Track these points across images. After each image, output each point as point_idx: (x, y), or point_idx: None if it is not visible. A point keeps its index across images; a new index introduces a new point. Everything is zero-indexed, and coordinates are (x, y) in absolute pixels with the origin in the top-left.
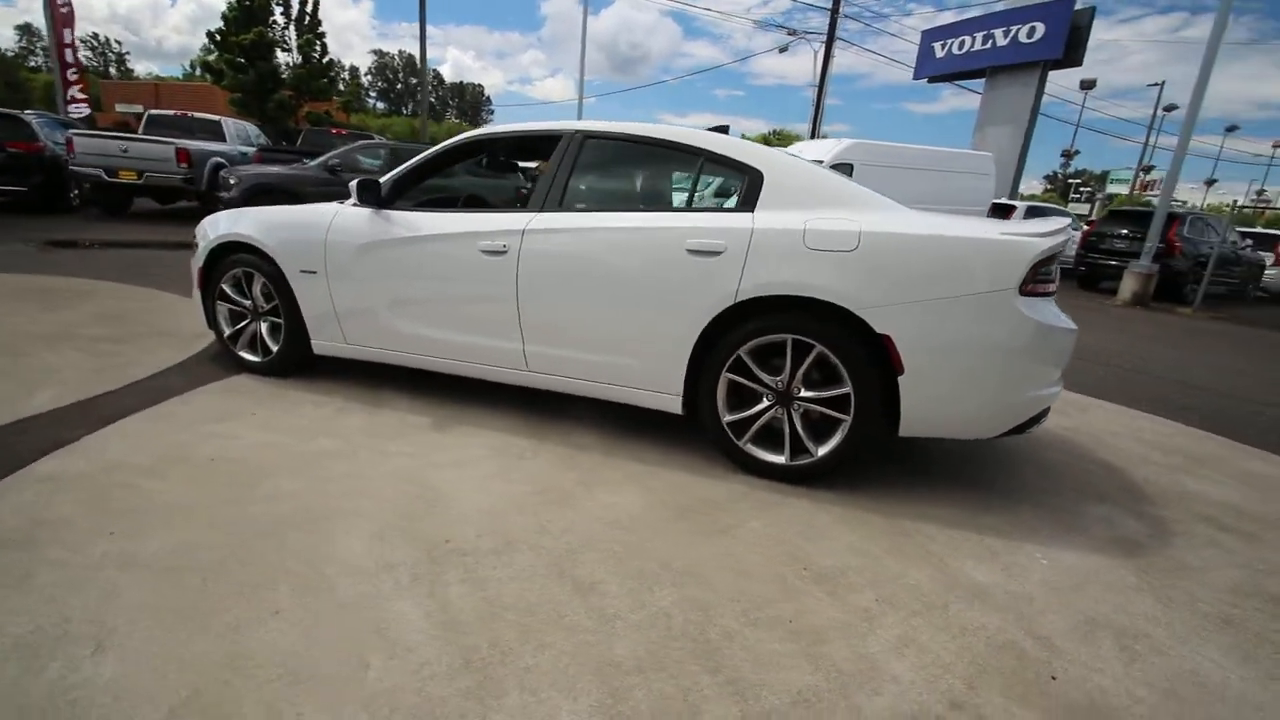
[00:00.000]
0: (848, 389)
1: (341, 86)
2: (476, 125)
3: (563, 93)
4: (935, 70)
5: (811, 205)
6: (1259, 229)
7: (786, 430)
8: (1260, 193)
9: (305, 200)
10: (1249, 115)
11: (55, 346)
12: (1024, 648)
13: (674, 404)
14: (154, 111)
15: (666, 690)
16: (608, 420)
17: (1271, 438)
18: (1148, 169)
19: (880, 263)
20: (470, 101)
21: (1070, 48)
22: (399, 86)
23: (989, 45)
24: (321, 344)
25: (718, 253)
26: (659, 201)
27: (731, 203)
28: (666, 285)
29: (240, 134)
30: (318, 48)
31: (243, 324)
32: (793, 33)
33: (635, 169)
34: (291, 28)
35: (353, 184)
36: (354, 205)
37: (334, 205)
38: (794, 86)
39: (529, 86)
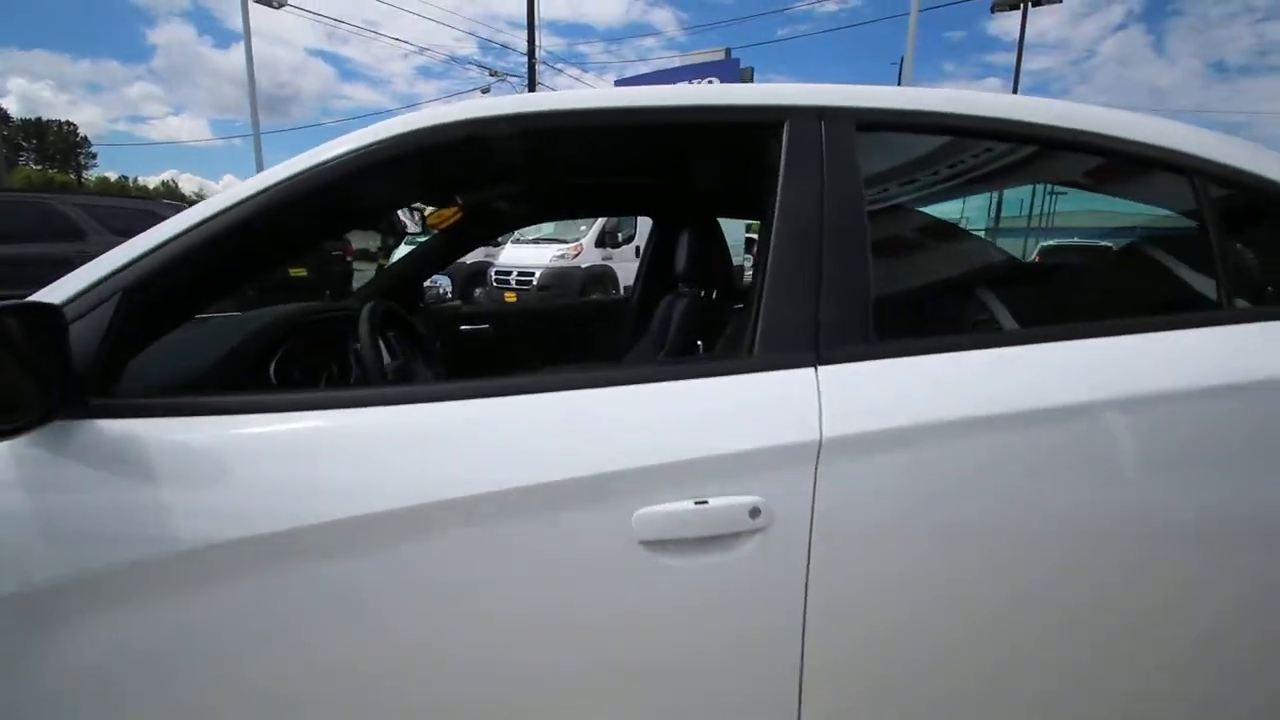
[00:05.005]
0: None
1: None
2: (70, 172)
3: (192, 132)
4: None
5: None
6: None
7: None
8: None
9: None
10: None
11: None
12: None
13: None
14: None
15: None
16: None
17: None
18: None
19: None
20: (56, 144)
21: None
22: None
23: None
24: None
25: None
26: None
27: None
28: None
29: None
30: None
31: None
32: (495, 74)
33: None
34: None
35: None
36: None
37: None
38: None
39: (144, 126)
